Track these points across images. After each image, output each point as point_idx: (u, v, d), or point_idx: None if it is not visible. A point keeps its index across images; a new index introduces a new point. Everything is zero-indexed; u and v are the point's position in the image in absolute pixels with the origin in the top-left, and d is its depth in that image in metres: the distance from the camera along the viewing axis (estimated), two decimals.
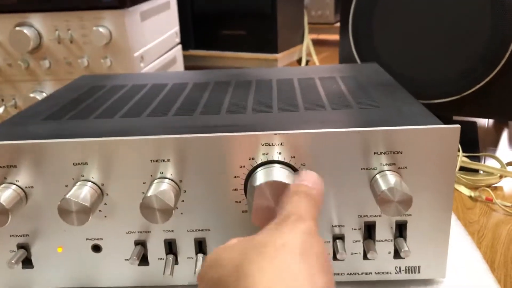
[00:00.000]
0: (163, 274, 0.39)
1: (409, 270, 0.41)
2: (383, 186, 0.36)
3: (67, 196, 0.36)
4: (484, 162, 1.17)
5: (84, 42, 0.92)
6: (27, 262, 0.42)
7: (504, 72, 1.03)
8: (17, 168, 0.39)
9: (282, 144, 0.38)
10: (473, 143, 1.22)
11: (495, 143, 1.32)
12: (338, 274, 0.41)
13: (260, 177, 0.36)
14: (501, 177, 1.10)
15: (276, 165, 0.38)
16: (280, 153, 0.38)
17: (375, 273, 0.41)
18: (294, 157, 0.38)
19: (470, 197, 1.02)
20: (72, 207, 0.36)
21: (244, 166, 0.38)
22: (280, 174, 0.36)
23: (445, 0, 1.02)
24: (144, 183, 0.39)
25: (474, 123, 1.33)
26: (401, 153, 0.37)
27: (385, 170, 0.38)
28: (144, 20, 1.00)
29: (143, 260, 0.41)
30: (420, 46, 1.08)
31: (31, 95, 0.97)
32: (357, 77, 0.55)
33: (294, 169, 0.38)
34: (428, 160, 0.37)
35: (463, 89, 1.04)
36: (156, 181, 0.38)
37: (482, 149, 1.23)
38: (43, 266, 0.42)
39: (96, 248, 0.41)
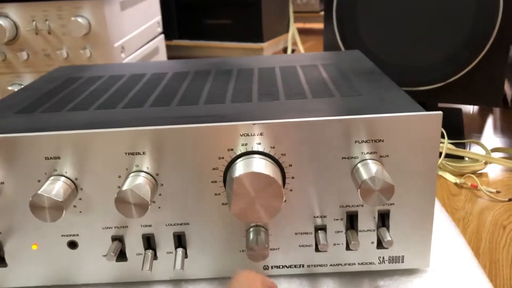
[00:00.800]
0: (142, 269, 0.38)
1: (392, 260, 0.40)
2: (365, 175, 0.35)
3: (39, 191, 0.35)
4: (469, 149, 1.17)
5: (63, 33, 0.90)
6: (0, 261, 0.40)
7: (488, 58, 1.02)
8: None
9: (261, 134, 0.36)
10: (458, 130, 1.22)
11: (480, 130, 1.32)
12: (320, 265, 0.41)
13: (240, 168, 0.35)
14: (486, 163, 1.10)
15: (256, 155, 0.36)
16: (259, 144, 0.37)
17: (359, 263, 0.41)
18: (274, 147, 0.37)
19: (456, 184, 1.02)
20: (44, 203, 0.35)
21: (223, 158, 0.37)
22: (259, 165, 0.35)
23: None
24: (119, 177, 0.37)
25: (459, 110, 1.33)
26: (383, 141, 0.37)
27: (366, 159, 0.37)
28: (124, 9, 0.98)
29: (121, 256, 0.40)
30: (405, 33, 1.08)
31: (9, 88, 0.94)
32: (339, 64, 0.54)
33: (274, 160, 0.37)
34: (410, 148, 0.37)
35: (448, 76, 1.04)
36: (131, 174, 0.37)
37: (467, 136, 1.23)
38: (17, 264, 0.41)
39: (72, 245, 0.40)
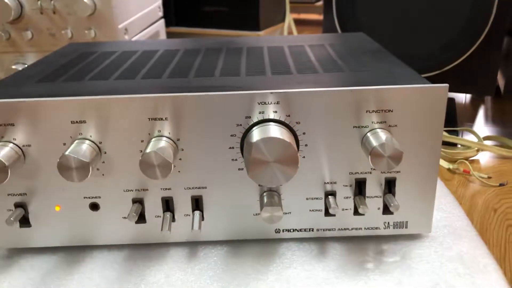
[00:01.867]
0: (161, 230, 0.40)
1: (397, 225, 0.43)
2: (375, 142, 0.37)
3: (67, 152, 0.37)
4: (462, 137, 1.20)
5: (68, 12, 0.91)
6: (24, 221, 0.42)
7: (483, 47, 1.05)
8: (14, 127, 0.39)
9: (277, 103, 0.39)
10: (451, 118, 1.25)
11: (472, 119, 1.35)
12: (329, 229, 0.43)
13: (257, 134, 0.37)
14: (478, 150, 1.13)
15: (272, 123, 0.39)
16: (275, 112, 0.39)
17: (365, 228, 0.43)
18: (289, 116, 0.39)
19: (449, 169, 1.05)
20: (72, 164, 0.37)
21: (240, 125, 0.39)
22: (276, 131, 0.37)
23: None
24: (142, 141, 0.39)
25: (452, 99, 1.36)
26: (392, 111, 0.39)
27: (376, 128, 0.39)
28: None
29: (141, 218, 0.42)
30: (403, 21, 1.10)
31: (13, 67, 0.95)
32: (346, 44, 0.57)
33: (289, 127, 0.39)
34: (417, 118, 0.39)
35: (443, 64, 1.07)
36: (154, 139, 0.39)
37: (460, 125, 1.26)
38: (41, 225, 0.42)
39: (94, 206, 0.42)
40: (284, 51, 0.54)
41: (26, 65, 0.96)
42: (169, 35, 1.81)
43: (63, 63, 0.52)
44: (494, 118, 1.33)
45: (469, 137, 1.19)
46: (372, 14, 1.10)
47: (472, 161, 1.10)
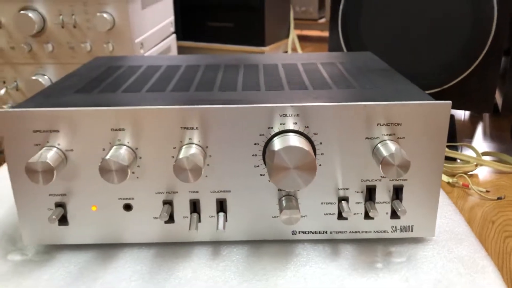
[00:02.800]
0: (189, 229, 0.44)
1: (403, 229, 0.47)
2: (385, 152, 0.41)
3: (108, 156, 0.41)
4: (461, 152, 1.25)
5: (87, 27, 0.96)
6: (62, 220, 0.46)
7: (482, 67, 1.10)
8: (58, 133, 0.43)
9: (297, 115, 0.43)
10: (451, 134, 1.30)
11: (471, 135, 1.40)
12: (341, 232, 0.47)
13: (278, 143, 0.41)
14: (476, 165, 1.17)
15: (292, 133, 0.43)
16: (295, 123, 0.43)
17: (374, 231, 0.47)
18: (307, 127, 0.43)
19: (448, 183, 1.09)
20: (112, 167, 0.41)
21: (263, 134, 0.43)
22: (295, 140, 0.41)
23: None
24: (174, 148, 0.44)
25: (452, 116, 1.41)
26: (400, 124, 0.43)
27: (386, 140, 0.43)
28: (144, 8, 1.04)
29: (169, 218, 0.46)
30: (405, 41, 1.15)
31: (33, 77, 1.00)
32: (355, 63, 0.61)
33: (307, 137, 0.43)
34: (422, 131, 0.43)
35: (443, 82, 1.12)
36: (185, 146, 0.43)
37: (459, 140, 1.31)
38: (78, 224, 0.46)
39: (128, 207, 0.46)
40: (298, 68, 0.59)
41: (45, 76, 1.00)
42: (177, 49, 1.86)
43: (94, 76, 0.56)
44: (492, 135, 1.37)
45: (468, 152, 1.24)
46: (375, 34, 1.16)
47: (471, 176, 1.14)
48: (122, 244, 0.48)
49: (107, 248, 0.47)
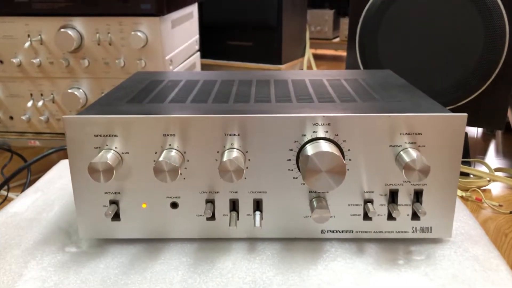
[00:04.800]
0: (229, 226, 0.49)
1: (423, 230, 0.52)
2: (407, 159, 0.46)
3: (161, 158, 0.46)
4: (474, 167, 1.29)
5: (122, 44, 1.03)
6: (115, 216, 0.51)
7: (493, 86, 1.15)
8: (116, 137, 0.49)
9: (328, 124, 0.48)
10: (465, 151, 1.34)
11: (483, 152, 1.44)
12: (366, 232, 0.52)
13: (311, 149, 0.47)
14: (489, 181, 1.21)
15: (323, 140, 0.48)
16: (326, 131, 0.48)
17: (396, 232, 0.52)
18: (337, 135, 0.48)
19: (462, 197, 1.13)
20: (165, 167, 0.46)
21: (297, 141, 0.49)
22: (327, 146, 0.47)
23: (442, 19, 1.14)
24: (217, 152, 0.49)
25: (465, 133, 1.45)
26: (421, 134, 0.48)
27: (408, 148, 0.48)
28: (174, 27, 1.11)
29: (211, 216, 0.51)
30: (420, 60, 1.20)
31: (69, 91, 1.06)
32: (375, 79, 0.66)
33: (337, 144, 0.48)
34: (441, 140, 0.48)
35: (457, 100, 1.16)
36: (227, 150, 0.48)
37: (472, 157, 1.35)
38: (128, 220, 0.52)
39: (174, 205, 0.51)
40: (324, 83, 0.64)
41: (80, 89, 1.07)
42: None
43: (140, 89, 0.62)
44: (504, 152, 1.41)
45: (481, 168, 1.27)
46: (391, 53, 1.21)
47: (484, 190, 1.18)
48: (167, 239, 0.53)
49: (154, 243, 0.52)
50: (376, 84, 0.64)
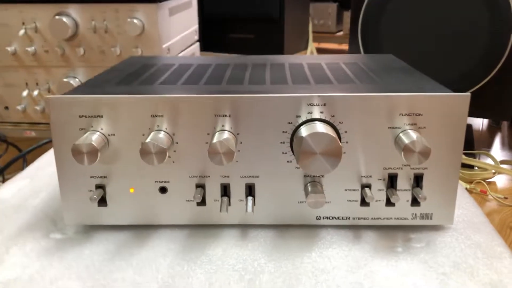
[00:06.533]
0: (220, 211, 0.47)
1: (423, 216, 0.49)
2: (407, 140, 0.44)
3: (148, 140, 0.44)
4: (479, 159, 1.26)
5: (118, 32, 1.01)
6: (101, 201, 0.49)
7: (499, 76, 1.12)
8: (102, 118, 0.46)
9: (324, 104, 0.46)
10: (469, 143, 1.31)
11: (489, 144, 1.41)
12: (364, 218, 0.50)
13: (306, 130, 0.44)
14: (494, 173, 1.18)
15: (318, 122, 0.46)
16: (322, 112, 0.46)
17: (395, 218, 0.49)
18: (333, 116, 0.46)
19: (466, 189, 1.10)
20: (152, 149, 0.44)
21: (291, 123, 0.46)
22: (322, 127, 0.44)
23: (446, 8, 1.12)
24: (208, 134, 0.47)
25: (470, 125, 1.42)
26: (421, 115, 0.46)
27: (407, 129, 0.46)
28: (171, 15, 1.09)
29: (201, 201, 0.49)
30: (424, 50, 1.17)
31: (65, 80, 1.04)
32: (376, 63, 0.64)
33: (333, 126, 0.46)
34: (443, 122, 0.46)
35: (461, 91, 1.13)
36: (218, 132, 0.46)
37: (477, 149, 1.32)
38: (116, 205, 0.49)
39: (163, 190, 0.49)
40: (322, 67, 0.62)
41: (76, 79, 1.05)
42: None
43: (131, 72, 0.60)
44: (510, 144, 1.38)
45: (486, 160, 1.25)
46: (394, 43, 1.18)
47: (488, 183, 1.15)
48: (156, 225, 0.51)
49: (142, 229, 0.50)
50: (377, 67, 0.61)
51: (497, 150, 1.41)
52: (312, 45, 2.27)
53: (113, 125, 0.47)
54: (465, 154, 1.24)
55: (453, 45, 1.14)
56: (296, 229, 0.50)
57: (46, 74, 1.06)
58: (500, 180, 1.22)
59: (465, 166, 1.26)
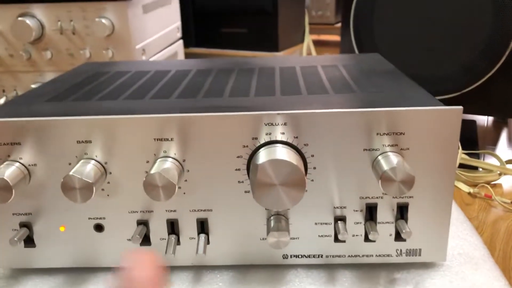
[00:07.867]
0: (165, 253, 0.39)
1: (410, 252, 0.41)
2: (386, 166, 0.36)
3: (71, 173, 0.36)
4: (483, 160, 1.17)
5: (87, 33, 0.93)
6: (29, 241, 0.42)
7: (504, 69, 1.03)
8: (20, 146, 0.39)
9: (285, 124, 0.38)
10: (472, 142, 1.22)
11: (494, 143, 1.32)
12: (339, 256, 0.42)
13: (263, 156, 0.36)
14: (500, 174, 1.10)
15: (279, 144, 0.38)
16: (283, 133, 0.38)
17: (376, 255, 0.42)
18: (297, 137, 0.38)
19: (469, 193, 1.02)
20: (75, 184, 0.36)
21: (247, 146, 0.38)
22: (283, 153, 0.36)
23: None
24: (147, 162, 0.39)
25: (474, 121, 1.33)
26: (404, 134, 0.38)
27: (387, 151, 0.38)
28: (146, 12, 1.01)
29: (145, 240, 0.41)
30: (421, 42, 1.08)
31: (33, 86, 0.97)
32: (359, 65, 0.56)
33: (296, 149, 0.38)
34: (430, 141, 0.38)
35: (463, 86, 1.05)
36: (159, 159, 0.38)
37: (481, 148, 1.23)
38: (45, 245, 0.42)
39: (99, 228, 0.41)
40: (296, 71, 0.54)
41: None
42: (189, 55, 1.83)
43: (75, 83, 0.52)
44: None
45: (491, 160, 1.16)
46: (389, 35, 1.10)
47: (494, 185, 1.06)
48: (94, 268, 0.43)
49: (78, 272, 0.43)
50: (357, 71, 0.53)
51: (503, 148, 1.33)
52: (308, 38, 2.18)
53: (34, 153, 0.39)
54: (468, 154, 1.16)
55: (452, 35, 1.05)
56: (259, 270, 0.42)
57: (12, 79, 0.99)
58: (507, 183, 1.14)
59: (468, 167, 1.17)
